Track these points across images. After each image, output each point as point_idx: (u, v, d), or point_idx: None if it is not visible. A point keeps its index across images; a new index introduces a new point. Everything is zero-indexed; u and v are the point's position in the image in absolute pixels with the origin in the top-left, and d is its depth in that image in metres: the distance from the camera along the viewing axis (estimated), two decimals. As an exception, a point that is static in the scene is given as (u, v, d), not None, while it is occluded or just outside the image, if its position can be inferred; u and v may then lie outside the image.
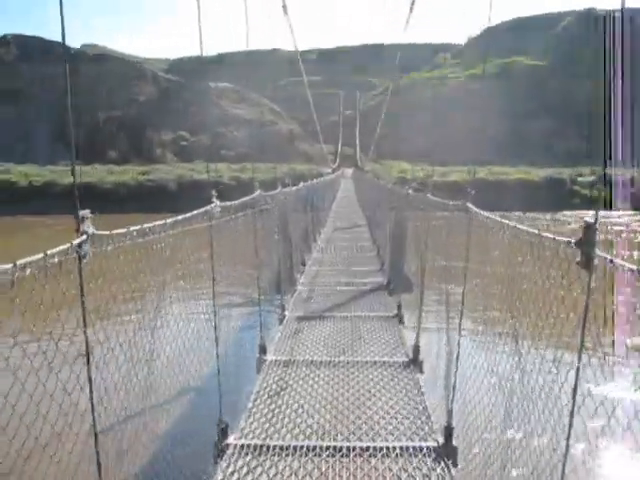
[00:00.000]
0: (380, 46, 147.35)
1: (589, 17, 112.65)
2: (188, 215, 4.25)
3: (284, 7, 18.36)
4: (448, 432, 4.68)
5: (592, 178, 58.17)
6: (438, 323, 6.35)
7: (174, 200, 44.84)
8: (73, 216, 2.78)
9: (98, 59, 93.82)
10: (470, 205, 4.54)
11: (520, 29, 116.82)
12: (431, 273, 6.78)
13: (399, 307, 8.89)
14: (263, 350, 7.08)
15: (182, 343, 4.65)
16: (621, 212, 43.71)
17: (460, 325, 4.77)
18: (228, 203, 5.19)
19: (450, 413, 4.73)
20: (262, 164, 61.35)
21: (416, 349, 6.83)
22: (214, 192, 4.78)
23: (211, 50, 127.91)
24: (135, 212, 42.73)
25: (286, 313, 9.04)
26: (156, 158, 76.20)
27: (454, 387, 4.72)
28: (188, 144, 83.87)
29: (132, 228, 3.32)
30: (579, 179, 58.58)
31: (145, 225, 3.52)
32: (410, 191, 8.15)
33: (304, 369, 6.69)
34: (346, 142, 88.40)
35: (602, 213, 40.43)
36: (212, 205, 4.61)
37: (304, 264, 13.23)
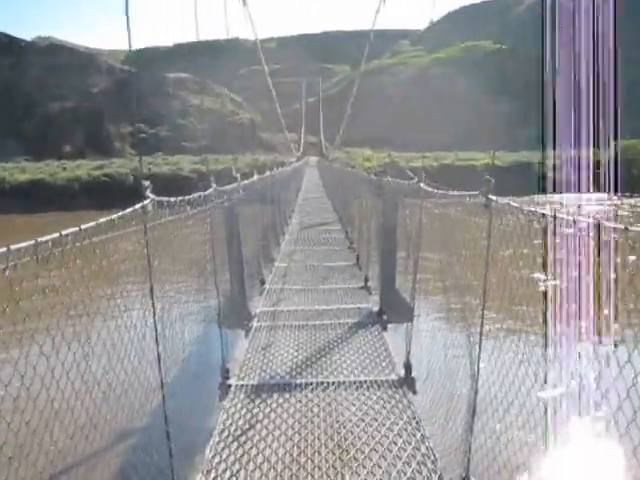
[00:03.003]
0: (341, 33, 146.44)
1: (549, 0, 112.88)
2: None
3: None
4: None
5: (558, 162, 57.65)
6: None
7: (131, 195, 42.89)
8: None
9: (50, 50, 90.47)
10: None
11: (481, 14, 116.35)
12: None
13: (408, 368, 5.76)
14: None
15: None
16: (597, 194, 42.81)
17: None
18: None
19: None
20: (224, 155, 59.75)
21: None
22: None
23: (168, 41, 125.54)
24: (90, 209, 40.62)
25: (231, 382, 5.81)
26: (114, 151, 73.65)
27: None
28: (147, 136, 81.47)
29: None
30: (546, 163, 57.94)
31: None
32: (422, 185, 5.33)
33: None
34: (309, 130, 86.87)
35: (582, 196, 40.25)
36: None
37: (264, 282, 10.03)
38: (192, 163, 54.79)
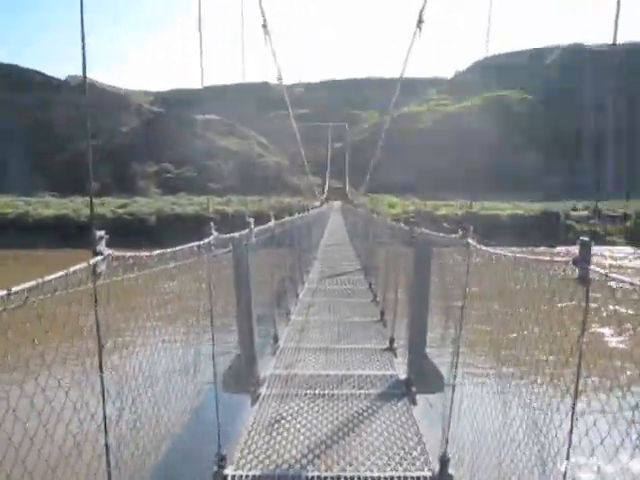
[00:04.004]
0: (368, 80, 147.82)
1: (576, 52, 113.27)
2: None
3: (264, 26, 16.53)
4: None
5: (586, 213, 56.88)
6: None
7: (154, 235, 42.79)
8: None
9: (81, 89, 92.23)
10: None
11: (508, 63, 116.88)
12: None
13: (444, 462, 4.59)
14: None
15: None
16: (622, 248, 42.18)
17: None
18: None
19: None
20: (249, 197, 59.84)
21: None
22: None
23: (198, 83, 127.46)
24: (112, 247, 40.48)
25: (227, 472, 4.69)
26: (139, 190, 74.26)
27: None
28: (173, 176, 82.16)
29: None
30: (573, 213, 57.17)
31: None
32: (471, 241, 4.43)
33: None
34: (334, 175, 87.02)
35: (600, 248, 39.33)
36: None
37: (277, 339, 8.95)
38: (217, 204, 54.84)
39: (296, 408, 6.15)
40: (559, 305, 3.17)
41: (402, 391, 6.65)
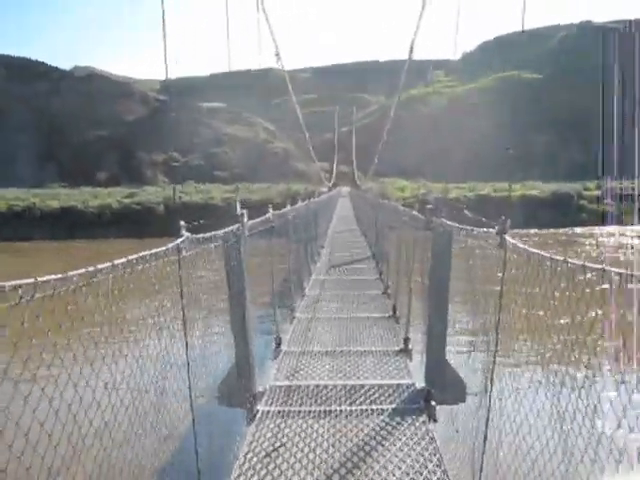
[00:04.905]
0: (375, 63, 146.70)
1: (586, 29, 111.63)
2: None
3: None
4: None
5: (599, 192, 55.93)
6: None
7: (161, 224, 42.57)
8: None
9: (86, 79, 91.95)
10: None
11: (516, 43, 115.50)
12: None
13: None
14: None
15: None
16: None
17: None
18: None
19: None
20: (256, 184, 59.47)
21: None
22: None
23: (204, 70, 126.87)
24: (120, 237, 40.42)
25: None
26: (147, 179, 74.08)
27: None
28: (180, 165, 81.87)
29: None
30: (585, 193, 56.09)
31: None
32: (509, 238, 3.65)
33: None
34: (342, 160, 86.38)
35: (619, 228, 38.64)
36: None
37: (280, 342, 8.09)
38: (224, 192, 54.47)
39: (298, 430, 5.34)
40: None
41: (420, 406, 5.84)
